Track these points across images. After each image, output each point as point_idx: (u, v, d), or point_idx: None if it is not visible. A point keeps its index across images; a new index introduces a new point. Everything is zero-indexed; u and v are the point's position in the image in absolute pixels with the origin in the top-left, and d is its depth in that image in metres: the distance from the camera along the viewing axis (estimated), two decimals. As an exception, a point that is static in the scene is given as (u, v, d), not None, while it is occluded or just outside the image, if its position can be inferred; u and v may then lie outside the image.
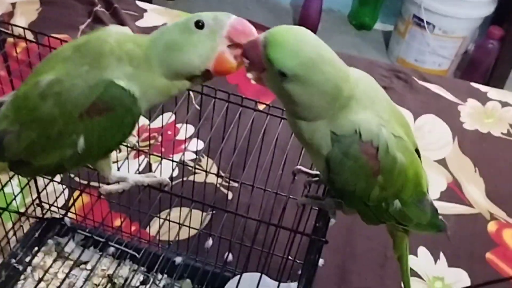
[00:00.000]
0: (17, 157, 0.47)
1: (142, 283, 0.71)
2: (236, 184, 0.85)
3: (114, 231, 0.75)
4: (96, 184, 0.77)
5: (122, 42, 0.45)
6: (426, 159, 1.00)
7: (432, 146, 1.03)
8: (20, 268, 0.70)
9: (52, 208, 0.76)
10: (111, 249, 0.73)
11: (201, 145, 0.93)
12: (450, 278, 0.81)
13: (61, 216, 0.75)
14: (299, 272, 0.61)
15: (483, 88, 1.19)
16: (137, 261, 0.72)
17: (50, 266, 0.70)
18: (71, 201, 0.78)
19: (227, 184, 0.86)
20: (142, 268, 0.72)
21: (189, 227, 0.74)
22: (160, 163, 0.67)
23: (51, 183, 0.72)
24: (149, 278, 0.72)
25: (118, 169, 0.59)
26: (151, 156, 0.89)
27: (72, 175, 0.83)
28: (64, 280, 0.64)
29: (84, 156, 0.46)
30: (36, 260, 0.71)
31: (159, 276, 0.72)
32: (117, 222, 0.79)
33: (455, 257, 0.84)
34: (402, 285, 0.60)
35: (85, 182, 0.76)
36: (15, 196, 0.66)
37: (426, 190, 0.52)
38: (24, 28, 0.73)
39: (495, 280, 0.47)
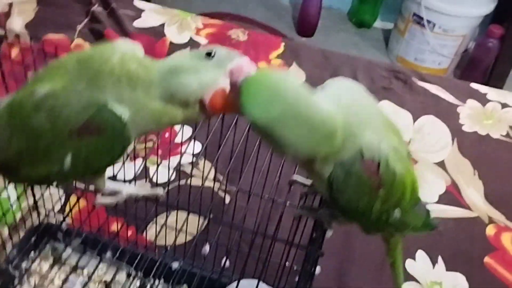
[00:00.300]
0: (5, 161, 0.46)
1: (138, 288, 0.71)
2: (234, 188, 0.84)
3: (111, 236, 0.74)
4: (93, 188, 0.77)
5: (126, 62, 0.44)
6: (425, 161, 1.00)
7: (432, 148, 1.03)
8: (16, 273, 0.70)
9: (49, 213, 0.75)
10: (108, 254, 0.72)
11: (198, 147, 0.93)
12: (448, 283, 0.81)
13: (58, 221, 0.75)
14: (297, 278, 0.60)
15: (482, 88, 1.18)
16: (134, 266, 0.71)
17: (47, 272, 0.70)
18: (68, 206, 0.78)
19: (226, 188, 0.85)
20: (139, 273, 0.72)
21: (186, 233, 0.74)
22: (157, 170, 0.66)
23: (48, 187, 0.71)
24: (146, 284, 0.71)
25: (115, 176, 0.59)
26: (149, 159, 0.88)
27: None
28: (61, 286, 0.64)
29: (70, 174, 0.46)
30: (33, 266, 0.71)
31: (156, 281, 0.72)
32: (114, 227, 0.78)
33: (453, 261, 0.84)
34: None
35: (82, 187, 0.76)
36: (12, 205, 0.66)
37: (419, 194, 0.52)
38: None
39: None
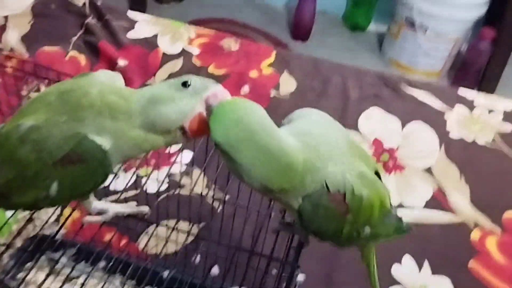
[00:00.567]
0: None
1: (131, 297, 0.73)
2: (224, 197, 0.87)
3: (105, 247, 0.77)
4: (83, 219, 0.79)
5: (106, 94, 0.47)
6: (413, 168, 1.02)
7: (419, 154, 1.05)
8: (13, 284, 0.72)
9: (44, 225, 0.77)
10: (102, 264, 0.75)
11: (190, 157, 0.95)
12: (433, 286, 0.83)
13: (53, 233, 0.77)
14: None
15: (470, 94, 1.20)
16: (127, 275, 0.74)
17: (43, 282, 0.73)
18: (63, 217, 0.80)
19: (217, 196, 0.88)
20: (132, 281, 0.74)
21: (176, 242, 0.76)
22: (146, 181, 0.69)
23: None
24: (138, 292, 0.74)
25: (107, 187, 0.61)
26: (141, 169, 0.91)
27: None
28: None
29: (58, 199, 0.48)
30: (28, 276, 0.73)
31: (148, 289, 0.74)
32: (107, 237, 0.81)
33: (439, 265, 0.86)
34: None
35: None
36: (8, 219, 0.68)
37: (389, 206, 0.54)
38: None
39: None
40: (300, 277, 0.64)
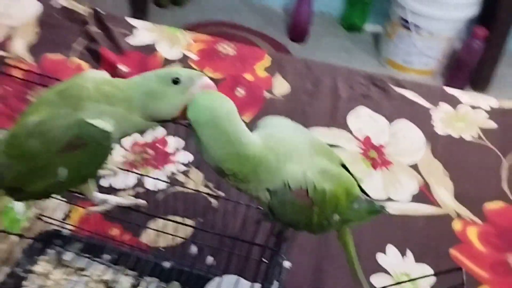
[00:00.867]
0: (10, 184, 0.55)
1: (133, 286, 0.79)
2: (220, 193, 0.93)
3: (110, 241, 0.83)
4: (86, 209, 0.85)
5: (101, 85, 0.54)
6: (400, 164, 1.08)
7: (406, 152, 1.10)
8: (25, 275, 0.78)
9: (52, 221, 0.83)
10: (107, 257, 0.81)
11: (187, 157, 1.01)
12: (416, 273, 0.88)
13: (61, 228, 0.83)
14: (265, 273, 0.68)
15: (455, 92, 1.26)
16: (130, 266, 0.80)
17: (51, 273, 0.79)
18: (70, 214, 0.86)
19: (212, 193, 0.94)
20: (134, 272, 0.80)
21: (173, 235, 0.82)
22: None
23: (51, 198, 0.80)
24: (140, 282, 0.80)
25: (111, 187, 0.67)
26: (142, 169, 0.97)
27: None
28: (65, 286, 0.72)
29: (67, 184, 0.54)
30: (38, 268, 0.79)
31: (149, 279, 0.80)
32: (111, 232, 0.87)
33: (422, 253, 0.92)
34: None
35: (83, 196, 0.85)
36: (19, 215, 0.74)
37: (358, 193, 0.60)
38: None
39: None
40: (286, 264, 0.70)
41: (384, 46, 2.34)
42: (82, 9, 1.34)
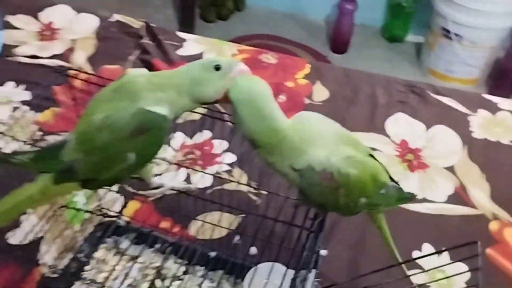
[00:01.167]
0: (86, 176, 0.63)
1: (183, 273, 0.86)
2: (263, 192, 0.99)
3: (161, 231, 0.90)
4: (144, 193, 0.94)
5: (150, 77, 0.62)
6: (436, 167, 1.11)
7: (442, 154, 1.14)
8: (86, 261, 0.87)
9: (111, 213, 0.92)
10: (158, 245, 0.88)
11: (233, 158, 1.08)
12: (451, 270, 0.91)
13: (118, 219, 0.92)
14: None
15: (495, 99, 1.28)
16: (179, 255, 0.87)
17: (109, 260, 0.87)
18: (126, 206, 0.95)
19: (255, 191, 1.00)
20: (183, 261, 0.88)
21: (221, 228, 0.89)
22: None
23: (109, 192, 0.88)
24: (188, 270, 0.87)
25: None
26: (191, 168, 1.05)
27: (126, 186, 0.99)
28: (121, 271, 0.80)
29: (134, 167, 0.62)
30: (98, 255, 0.88)
31: (197, 267, 0.87)
32: (163, 224, 0.95)
33: (457, 252, 0.94)
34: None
35: (136, 191, 0.93)
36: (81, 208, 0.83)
37: (385, 180, 0.66)
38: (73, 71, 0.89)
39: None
40: (323, 252, 0.75)
41: (425, 56, 2.36)
42: (135, 23, 1.45)
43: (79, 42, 1.37)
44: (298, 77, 1.31)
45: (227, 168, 1.06)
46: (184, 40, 1.40)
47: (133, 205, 0.96)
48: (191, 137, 1.11)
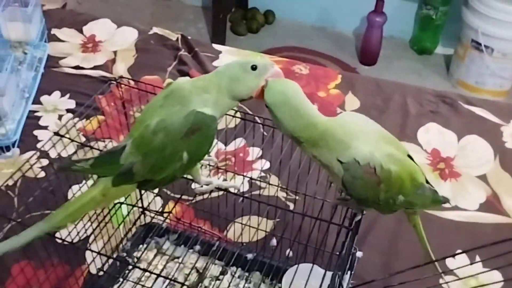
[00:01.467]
0: (143, 177, 0.67)
1: (221, 273, 0.90)
2: (296, 197, 1.02)
3: (200, 233, 0.94)
4: (185, 197, 0.98)
5: (194, 82, 0.68)
6: (468, 175, 1.12)
7: (474, 164, 1.15)
8: (130, 260, 0.91)
9: (153, 215, 0.96)
10: (197, 247, 0.92)
11: (267, 164, 1.12)
12: (484, 277, 0.92)
13: (159, 222, 0.96)
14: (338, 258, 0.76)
15: (527, 109, 1.29)
16: (218, 256, 0.91)
17: (152, 260, 0.91)
18: (167, 209, 0.99)
19: (289, 197, 1.03)
20: (221, 262, 0.91)
21: (258, 231, 0.92)
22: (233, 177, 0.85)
23: (153, 197, 0.93)
24: (227, 270, 0.90)
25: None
26: (227, 173, 1.08)
27: (167, 191, 1.04)
28: (162, 270, 0.83)
29: (188, 165, 0.66)
30: (140, 255, 0.92)
31: (235, 269, 0.90)
32: (202, 226, 0.98)
33: (491, 260, 0.95)
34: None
35: (178, 196, 0.97)
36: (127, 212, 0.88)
37: (422, 181, 0.68)
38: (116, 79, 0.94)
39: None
40: (359, 254, 0.78)
41: (455, 68, 2.36)
42: (172, 36, 1.51)
43: (120, 53, 1.44)
44: (330, 87, 1.35)
45: (262, 174, 1.10)
46: (219, 52, 1.46)
47: (175, 208, 1.00)
48: (225, 144, 1.16)
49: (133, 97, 1.10)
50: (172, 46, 1.47)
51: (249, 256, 0.90)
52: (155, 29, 1.54)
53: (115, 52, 1.44)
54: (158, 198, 1.02)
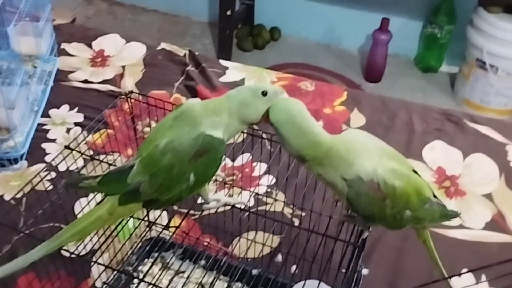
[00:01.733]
0: (149, 197, 0.67)
1: (226, 289, 0.90)
2: (302, 213, 1.02)
3: (205, 248, 0.95)
4: (192, 212, 0.98)
5: (205, 104, 0.68)
6: (473, 193, 1.12)
7: (479, 182, 1.15)
8: (135, 274, 0.92)
9: (158, 230, 0.97)
10: (202, 262, 0.92)
11: (273, 180, 1.12)
12: (489, 297, 0.92)
13: (165, 236, 0.96)
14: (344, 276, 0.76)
15: (532, 128, 1.29)
16: (223, 272, 0.91)
17: (157, 274, 0.92)
18: (173, 223, 1.00)
19: (295, 213, 1.04)
20: (227, 277, 0.91)
21: (263, 247, 0.92)
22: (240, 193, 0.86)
23: (159, 211, 0.93)
24: (232, 286, 0.90)
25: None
26: (233, 188, 1.09)
27: (174, 206, 1.04)
28: (168, 285, 0.83)
29: (194, 187, 0.67)
30: (145, 268, 0.93)
31: (240, 284, 0.90)
32: (207, 241, 0.99)
33: (496, 279, 0.95)
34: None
35: (185, 211, 0.98)
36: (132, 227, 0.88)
37: (429, 195, 0.68)
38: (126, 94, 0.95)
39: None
40: (364, 271, 0.78)
41: (460, 86, 2.36)
42: (180, 51, 1.53)
43: (128, 68, 1.45)
44: (335, 104, 1.36)
45: (267, 189, 1.10)
46: (226, 68, 1.47)
47: (177, 222, 1.01)
48: (232, 159, 1.16)
49: (142, 112, 1.11)
50: (180, 62, 1.49)
51: (255, 271, 0.90)
52: (163, 45, 1.56)
53: (123, 67, 1.46)
54: (164, 213, 1.02)
